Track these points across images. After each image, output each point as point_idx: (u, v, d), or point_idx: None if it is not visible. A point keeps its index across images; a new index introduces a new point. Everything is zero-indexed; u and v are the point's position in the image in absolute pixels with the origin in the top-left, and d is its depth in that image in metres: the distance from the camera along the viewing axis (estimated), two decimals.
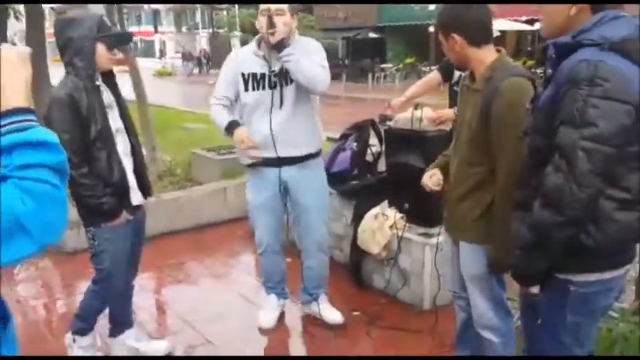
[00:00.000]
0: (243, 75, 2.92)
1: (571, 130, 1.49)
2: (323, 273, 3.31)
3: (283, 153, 2.94)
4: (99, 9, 7.14)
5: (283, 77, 2.87)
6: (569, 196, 1.49)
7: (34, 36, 7.47)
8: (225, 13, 38.49)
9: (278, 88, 2.89)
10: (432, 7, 21.90)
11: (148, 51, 45.96)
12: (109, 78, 2.61)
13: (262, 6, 2.80)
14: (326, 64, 2.89)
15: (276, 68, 2.86)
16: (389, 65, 23.98)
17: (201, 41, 39.75)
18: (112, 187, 2.49)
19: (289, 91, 2.89)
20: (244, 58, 2.94)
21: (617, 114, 1.45)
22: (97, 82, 2.51)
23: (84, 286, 2.86)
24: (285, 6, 2.80)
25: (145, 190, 2.74)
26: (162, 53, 45.75)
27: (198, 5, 39.59)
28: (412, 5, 23.08)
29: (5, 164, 1.05)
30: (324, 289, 3.36)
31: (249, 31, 31.91)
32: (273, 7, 2.77)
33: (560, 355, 1.70)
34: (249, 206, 3.22)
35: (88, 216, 2.54)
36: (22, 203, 1.00)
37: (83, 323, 2.75)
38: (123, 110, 2.64)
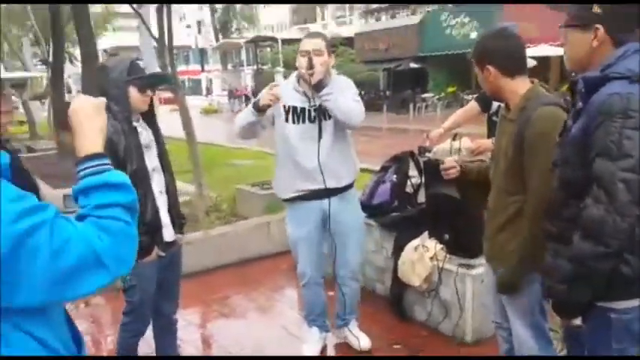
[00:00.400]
0: (284, 107, 3.04)
1: (608, 163, 1.54)
2: (355, 300, 3.40)
3: (330, 184, 3.05)
4: (150, 56, 7.49)
5: (322, 112, 3.01)
6: (612, 227, 1.52)
7: (89, 79, 7.90)
8: (268, 49, 39.49)
9: (316, 122, 3.02)
10: (473, 35, 21.91)
11: (196, 89, 47.47)
12: (150, 117, 2.73)
13: (302, 47, 2.96)
14: (359, 99, 3.05)
15: (316, 103, 3.00)
16: (430, 95, 23.97)
17: (246, 78, 40.78)
18: (145, 225, 2.55)
19: (328, 125, 3.03)
20: (285, 91, 3.05)
21: None
22: (135, 124, 2.63)
23: None
24: (323, 45, 2.95)
25: (179, 226, 2.85)
26: (209, 91, 47.17)
27: (242, 44, 40.75)
28: (453, 34, 23.14)
29: (83, 205, 1.20)
30: (355, 315, 3.45)
31: (291, 67, 32.70)
32: (311, 47, 2.92)
33: None
34: (290, 240, 3.31)
35: None
36: (99, 239, 1.14)
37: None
38: (161, 149, 2.76)
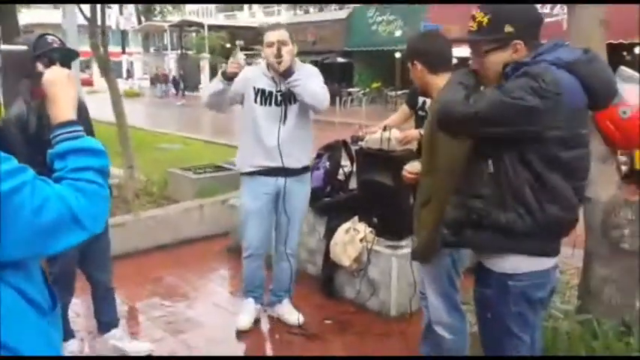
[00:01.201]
0: (254, 88, 3.28)
1: (496, 90, 1.81)
2: (291, 277, 3.60)
3: (287, 164, 3.28)
4: (74, 35, 7.30)
5: (287, 97, 3.26)
6: (461, 110, 1.85)
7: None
8: (193, 35, 38.69)
9: (282, 106, 3.26)
10: (397, 33, 22.61)
11: (116, 72, 45.79)
12: None
13: (267, 38, 3.19)
14: (324, 85, 3.33)
15: (282, 88, 3.24)
16: (356, 89, 24.51)
17: (169, 62, 39.77)
18: None
19: (292, 109, 3.28)
20: (255, 74, 3.32)
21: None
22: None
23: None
24: (287, 36, 3.20)
25: None
26: (130, 74, 45.55)
27: (167, 27, 39.66)
28: (379, 31, 23.76)
29: (60, 167, 1.30)
30: (289, 293, 3.65)
31: (218, 54, 32.19)
32: (277, 38, 3.16)
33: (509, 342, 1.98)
34: (243, 212, 3.49)
35: None
36: (75, 199, 1.23)
37: None
38: (86, 125, 2.76)
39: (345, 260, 3.82)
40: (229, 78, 3.21)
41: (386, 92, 23.58)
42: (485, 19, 1.89)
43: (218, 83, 3.25)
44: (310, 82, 3.22)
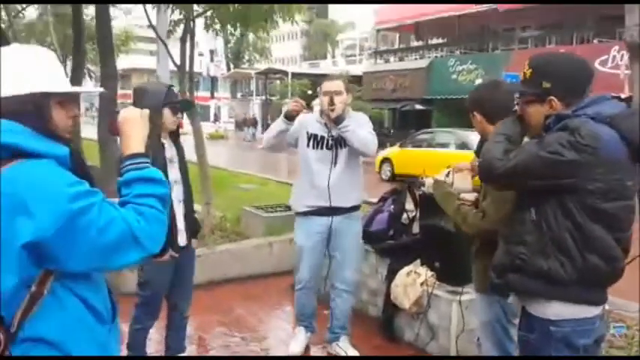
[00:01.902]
0: (307, 133, 3.56)
1: (534, 145, 1.90)
2: (347, 313, 3.73)
3: (336, 203, 3.50)
4: (167, 81, 7.89)
5: (338, 142, 3.51)
6: (498, 164, 1.95)
7: (107, 97, 8.27)
8: (278, 82, 40.31)
9: (333, 150, 3.51)
10: (478, 81, 22.50)
11: (204, 115, 48.16)
12: (175, 136, 3.14)
13: (325, 88, 3.48)
14: (373, 132, 3.57)
15: (333, 133, 3.49)
16: None
17: (254, 107, 41.49)
18: None
19: (342, 153, 3.52)
20: (309, 121, 3.62)
21: None
22: (163, 140, 3.01)
23: None
24: (342, 86, 3.49)
25: (193, 232, 3.22)
26: (217, 117, 47.88)
27: (253, 74, 41.57)
28: (459, 79, 23.74)
29: (125, 193, 1.51)
30: (346, 331, 3.75)
31: None
32: (333, 88, 3.45)
33: None
34: (297, 248, 3.70)
35: None
36: (137, 222, 1.43)
37: (133, 351, 3.15)
38: (182, 164, 3.15)
39: (405, 302, 3.86)
40: (291, 117, 3.47)
41: None
42: (529, 72, 1.99)
43: (280, 123, 3.53)
44: (360, 128, 3.47)
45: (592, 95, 1.97)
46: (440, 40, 29.64)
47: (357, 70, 33.59)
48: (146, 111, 1.71)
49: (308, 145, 3.56)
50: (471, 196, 2.70)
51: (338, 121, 3.42)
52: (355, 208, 3.66)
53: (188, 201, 3.17)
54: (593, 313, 1.96)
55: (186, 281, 3.25)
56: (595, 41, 19.29)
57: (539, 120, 1.99)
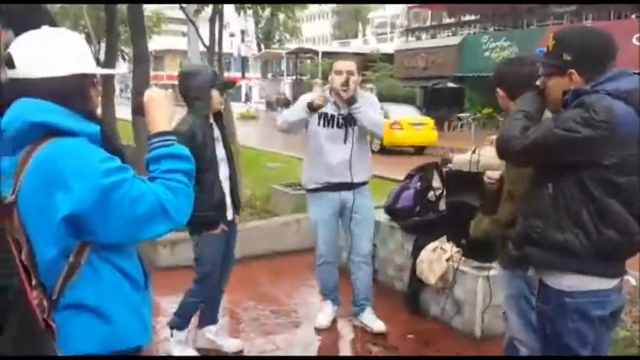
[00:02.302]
0: (318, 113, 3.59)
1: (551, 122, 1.91)
2: (368, 283, 3.84)
3: (346, 179, 3.60)
4: (197, 61, 7.98)
5: (348, 121, 3.57)
6: (515, 140, 1.97)
7: (140, 78, 8.42)
8: (308, 61, 40.18)
9: (344, 128, 3.58)
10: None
11: (235, 95, 48.46)
12: (218, 116, 3.24)
13: (337, 67, 3.53)
14: (382, 112, 3.69)
15: (344, 112, 3.56)
16: (466, 114, 24.10)
17: (285, 87, 41.53)
18: (212, 203, 3.07)
19: (353, 132, 3.60)
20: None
21: None
22: (210, 120, 3.12)
23: (172, 301, 3.41)
24: (354, 67, 3.53)
25: (237, 208, 3.34)
26: (248, 98, 48.10)
27: (284, 54, 41.54)
28: (492, 57, 23.27)
29: (153, 169, 1.58)
30: (370, 302, 3.84)
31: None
32: (346, 68, 3.48)
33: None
34: (312, 223, 3.80)
35: (194, 225, 3.08)
36: (165, 195, 1.50)
37: (181, 320, 3.29)
38: (226, 143, 3.26)
39: (431, 278, 3.90)
40: (315, 109, 3.52)
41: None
42: (552, 44, 1.98)
43: (302, 112, 3.56)
44: (370, 110, 3.57)
45: (614, 70, 1.95)
46: (473, 17, 29.05)
47: (388, 48, 33.23)
48: (170, 91, 1.77)
49: (319, 124, 3.62)
50: (496, 174, 2.71)
51: (351, 101, 3.48)
52: (364, 183, 3.76)
53: (234, 178, 3.32)
54: (609, 285, 1.97)
55: (230, 256, 3.40)
56: (633, 17, 18.62)
57: (558, 94, 1.99)
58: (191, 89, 3.06)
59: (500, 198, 2.65)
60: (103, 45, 13.35)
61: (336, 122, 3.61)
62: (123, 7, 12.45)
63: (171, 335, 3.30)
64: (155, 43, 33.81)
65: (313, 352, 3.59)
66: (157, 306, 4.24)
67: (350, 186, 3.65)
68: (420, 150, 16.99)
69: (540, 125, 1.96)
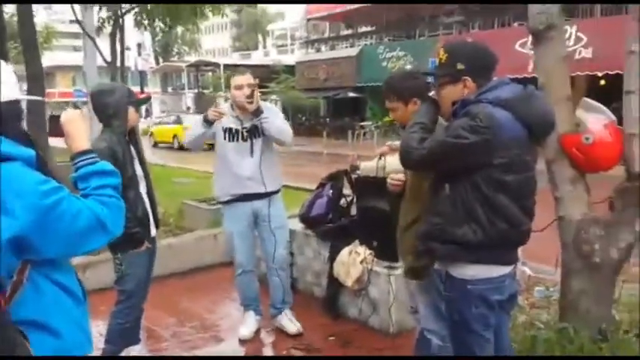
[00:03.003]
0: (222, 127, 3.73)
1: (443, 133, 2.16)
2: (285, 288, 3.98)
3: (257, 189, 3.74)
4: (95, 77, 7.77)
5: (252, 133, 3.72)
6: (414, 149, 2.21)
7: (35, 94, 8.04)
8: (210, 74, 39.75)
9: (248, 140, 3.72)
10: (407, 67, 23.12)
11: None
12: (132, 134, 3.25)
13: (237, 82, 3.65)
14: (286, 122, 3.87)
15: (247, 125, 3.70)
16: (368, 123, 24.97)
17: (187, 100, 40.78)
18: (137, 220, 3.08)
19: (257, 143, 3.74)
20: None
21: None
22: (126, 138, 3.14)
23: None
24: (252, 79, 3.68)
25: (157, 224, 3.39)
26: (149, 113, 46.65)
27: (184, 67, 40.82)
28: (389, 66, 24.32)
29: (83, 187, 1.66)
30: (287, 304, 4.00)
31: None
32: (247, 82, 3.63)
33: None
34: (227, 235, 3.94)
35: (120, 243, 3.00)
36: (101, 210, 1.60)
37: (112, 346, 3.23)
38: (142, 159, 3.28)
39: (348, 281, 4.09)
40: (210, 122, 3.65)
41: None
42: (444, 57, 2.24)
43: (199, 126, 3.70)
44: (276, 118, 3.72)
45: (495, 79, 2.24)
46: (369, 28, 30.18)
47: (289, 59, 33.71)
48: (85, 110, 1.85)
49: (225, 138, 3.75)
50: (400, 176, 2.95)
51: (257, 112, 3.61)
52: (276, 192, 3.90)
53: (151, 193, 3.33)
54: (504, 272, 2.25)
55: (150, 272, 3.37)
56: (515, 24, 20.22)
57: (449, 104, 2.25)
58: (108, 107, 3.05)
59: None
60: None
61: (240, 136, 3.73)
62: (12, 21, 11.77)
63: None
64: (46, 59, 32.09)
65: None
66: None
67: (262, 195, 3.79)
68: None
69: (433, 136, 2.21)
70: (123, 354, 3.44)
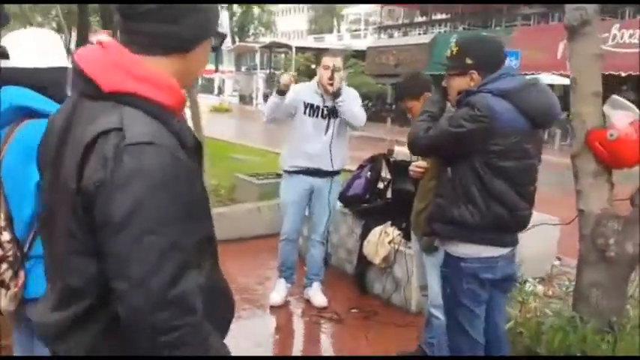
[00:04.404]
0: (304, 102, 3.96)
1: (445, 121, 2.35)
2: (320, 261, 4.21)
3: (324, 166, 3.96)
4: None
5: (331, 112, 3.94)
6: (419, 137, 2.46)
7: None
8: (282, 55, 40.37)
9: (327, 118, 3.94)
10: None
11: (208, 88, 48.40)
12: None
13: (325, 62, 3.87)
14: (362, 107, 4.10)
15: (329, 104, 3.92)
16: None
17: (258, 81, 41.67)
18: None
19: (334, 123, 3.96)
20: (306, 91, 4.01)
21: None
22: None
23: None
24: (341, 63, 3.91)
25: None
26: (221, 90, 48.05)
27: (258, 48, 41.66)
28: None
29: None
30: (320, 277, 4.23)
31: (302, 73, 33.54)
32: (334, 64, 3.83)
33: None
34: (282, 202, 4.21)
35: None
36: None
37: None
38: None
39: (375, 259, 4.29)
40: (282, 93, 3.87)
41: None
42: (456, 51, 2.39)
43: (273, 99, 3.94)
44: (353, 103, 3.91)
45: (500, 70, 2.36)
46: (444, 16, 29.66)
47: (361, 44, 33.66)
48: None
49: (305, 113, 3.96)
50: (423, 162, 3.11)
51: (336, 95, 3.82)
52: (337, 172, 4.11)
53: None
54: (498, 253, 2.38)
55: None
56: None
57: (456, 93, 2.39)
58: None
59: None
60: (74, 35, 13.46)
61: (320, 112, 3.95)
62: None
63: None
64: None
65: (264, 326, 3.95)
66: None
67: (327, 173, 4.00)
68: None
69: (438, 124, 2.38)
70: None
